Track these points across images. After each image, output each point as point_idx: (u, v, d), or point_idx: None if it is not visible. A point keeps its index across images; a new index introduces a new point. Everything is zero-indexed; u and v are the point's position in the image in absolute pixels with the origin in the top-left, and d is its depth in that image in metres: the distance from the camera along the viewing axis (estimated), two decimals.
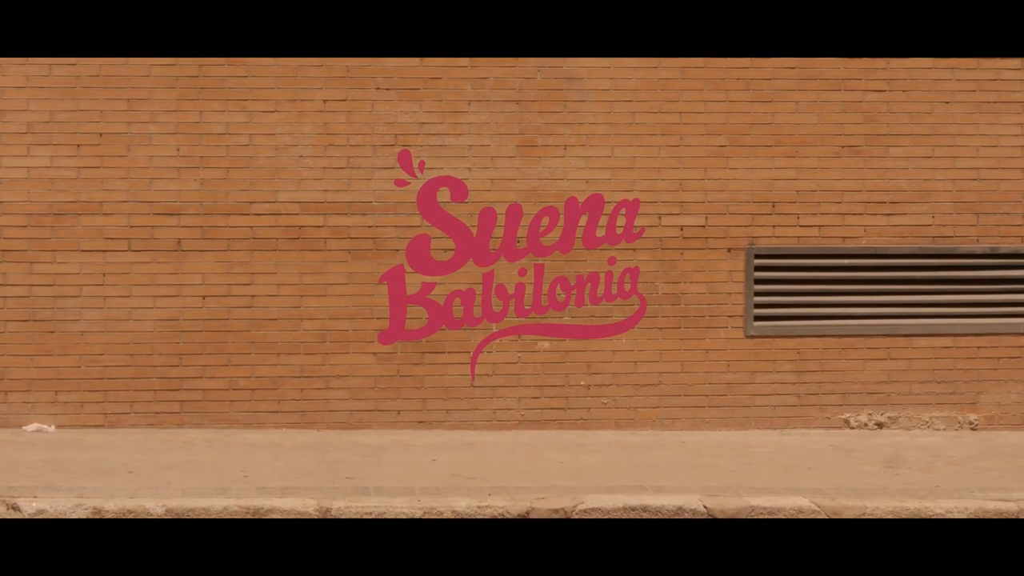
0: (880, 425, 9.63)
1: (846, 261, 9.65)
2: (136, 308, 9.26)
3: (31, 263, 9.21)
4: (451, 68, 9.42)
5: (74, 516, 7.05)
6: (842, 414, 9.66)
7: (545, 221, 9.44)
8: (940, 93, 9.68)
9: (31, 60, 9.17)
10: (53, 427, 9.19)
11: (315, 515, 7.14)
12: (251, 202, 9.34)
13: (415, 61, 9.39)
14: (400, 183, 9.31)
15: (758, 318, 9.61)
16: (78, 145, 9.25)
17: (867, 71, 9.65)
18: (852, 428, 9.62)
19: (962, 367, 9.64)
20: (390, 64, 9.38)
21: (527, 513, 7.26)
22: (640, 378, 9.49)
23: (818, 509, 7.39)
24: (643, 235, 9.50)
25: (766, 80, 9.60)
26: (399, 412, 9.40)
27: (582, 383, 9.49)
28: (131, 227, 9.26)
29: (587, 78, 9.49)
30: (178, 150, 9.31)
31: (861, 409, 9.67)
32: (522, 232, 9.46)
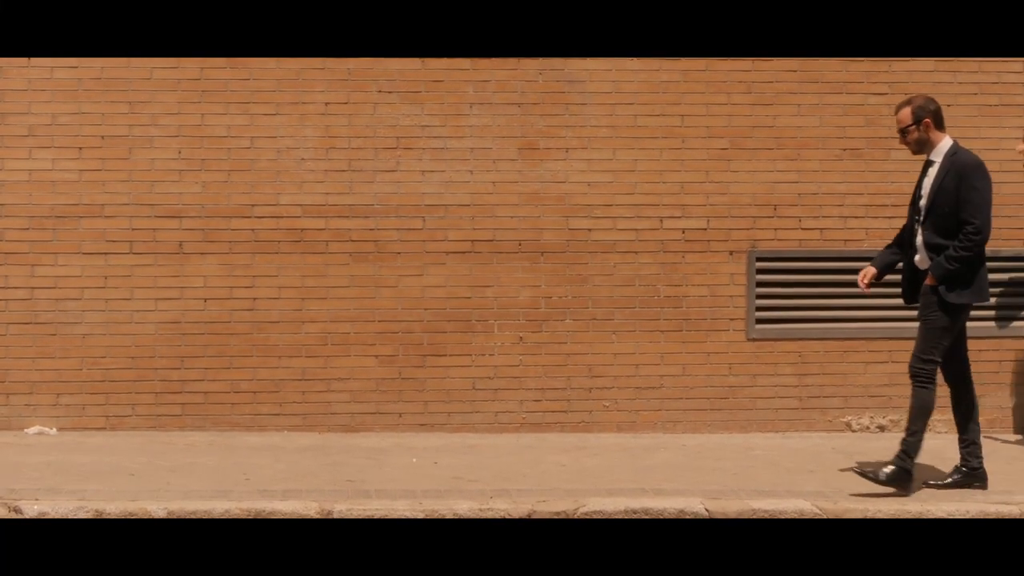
0: (882, 428, 9.63)
1: (848, 264, 9.65)
2: (137, 311, 9.26)
3: (33, 266, 9.21)
4: (452, 71, 9.42)
5: (76, 519, 7.04)
6: (844, 417, 9.65)
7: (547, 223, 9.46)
8: (941, 96, 9.63)
9: (33, 62, 9.18)
10: (55, 430, 9.19)
11: (317, 518, 7.13)
12: (252, 205, 9.34)
13: (417, 64, 9.39)
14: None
15: (760, 321, 9.61)
16: (80, 148, 9.25)
17: (868, 74, 9.65)
18: (854, 431, 9.62)
19: None
20: (392, 67, 9.38)
21: (529, 516, 7.26)
22: (641, 381, 9.49)
23: (820, 512, 7.39)
24: (644, 238, 9.51)
25: (768, 83, 9.60)
26: (400, 415, 9.40)
27: (584, 386, 9.50)
28: (133, 230, 9.27)
29: (589, 81, 9.49)
30: (179, 153, 9.31)
31: (863, 412, 9.66)
32: (524, 234, 9.46)
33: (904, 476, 7.81)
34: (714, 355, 9.53)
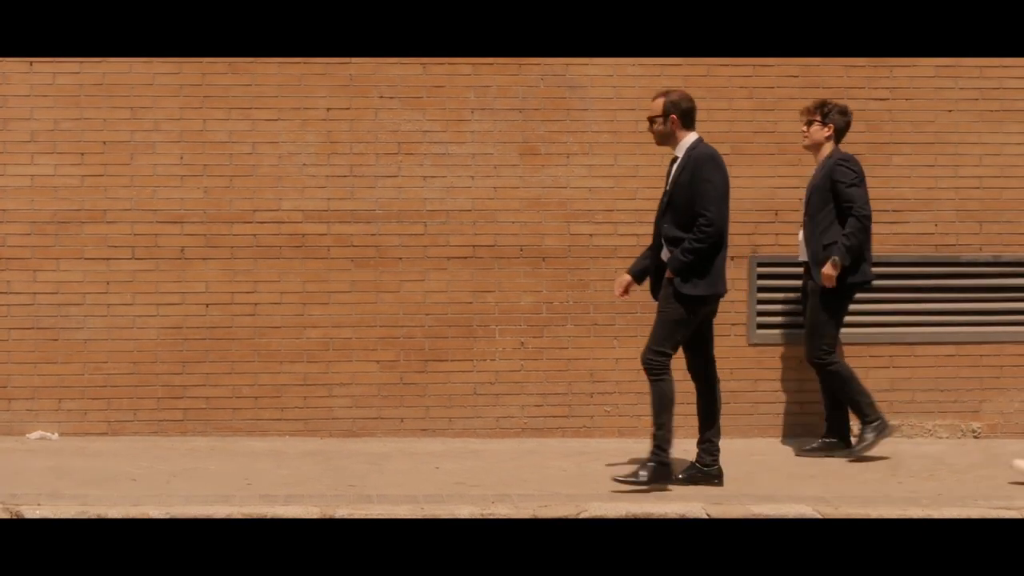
0: None
1: None
2: (140, 316, 9.27)
3: (35, 271, 9.22)
4: (454, 76, 9.43)
5: (77, 518, 7.04)
6: None
7: (549, 228, 9.47)
8: (943, 101, 9.69)
9: (35, 68, 9.19)
10: (56, 435, 9.19)
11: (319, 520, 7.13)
12: (254, 210, 9.35)
13: (418, 69, 9.41)
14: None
15: (761, 326, 9.62)
16: (82, 153, 9.26)
17: (870, 80, 9.65)
18: (855, 436, 9.60)
19: (965, 375, 9.64)
20: (393, 72, 9.40)
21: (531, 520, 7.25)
22: (643, 386, 9.40)
23: (821, 517, 7.38)
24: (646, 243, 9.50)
25: (769, 88, 9.61)
26: (402, 420, 9.40)
27: (585, 391, 9.50)
28: (135, 235, 9.28)
29: (590, 86, 9.50)
30: (181, 158, 9.32)
31: None
32: (525, 240, 9.46)
33: (663, 471, 7.89)
34: (715, 360, 9.51)
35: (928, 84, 9.69)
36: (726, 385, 9.52)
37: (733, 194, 9.50)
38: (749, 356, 9.57)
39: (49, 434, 9.19)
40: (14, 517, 7.05)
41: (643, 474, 7.87)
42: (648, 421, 9.49)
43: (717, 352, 9.52)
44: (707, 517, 7.33)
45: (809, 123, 9.03)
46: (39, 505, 7.18)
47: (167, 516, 7.10)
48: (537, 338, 9.46)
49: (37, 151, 9.24)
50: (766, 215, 9.59)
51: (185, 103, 9.31)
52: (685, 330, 7.97)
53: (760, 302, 9.61)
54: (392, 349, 9.40)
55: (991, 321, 9.72)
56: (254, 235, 9.34)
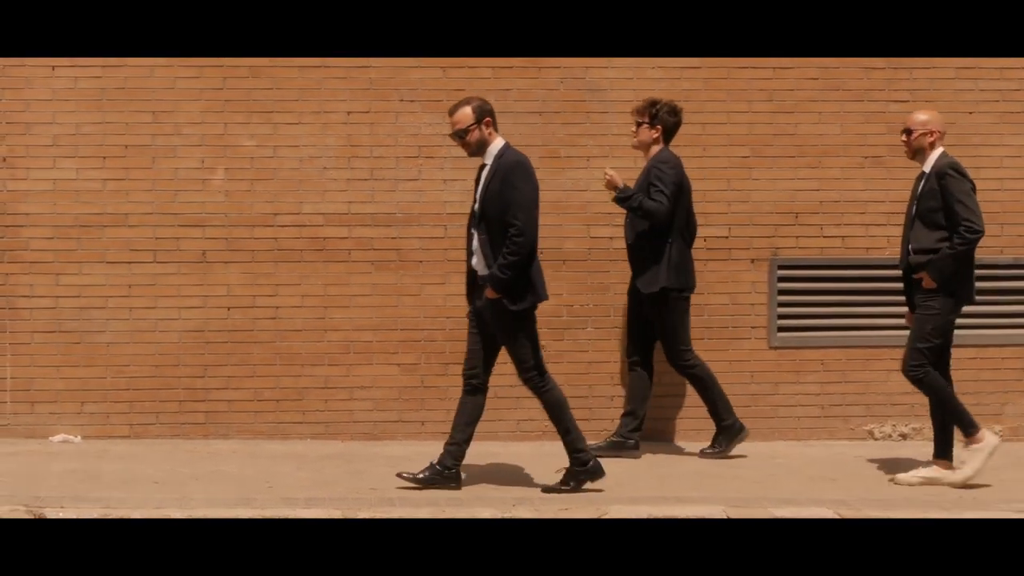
0: (904, 436, 9.61)
1: (870, 272, 9.64)
2: (161, 319, 9.30)
3: (57, 275, 9.26)
4: (474, 80, 9.44)
5: (100, 518, 7.07)
6: (866, 425, 9.64)
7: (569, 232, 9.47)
8: (963, 103, 9.67)
9: (57, 72, 9.23)
10: (79, 438, 9.23)
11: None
12: (275, 213, 9.38)
13: (438, 73, 9.43)
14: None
15: (781, 329, 9.60)
16: (104, 157, 9.30)
17: (890, 81, 9.64)
18: (876, 439, 9.60)
19: (986, 378, 9.61)
20: (413, 76, 9.42)
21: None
22: (663, 389, 9.48)
23: (842, 519, 7.38)
24: None
25: (789, 91, 9.60)
26: (423, 423, 9.42)
27: (606, 395, 9.50)
28: (156, 239, 9.31)
29: (610, 89, 9.51)
30: (203, 162, 9.35)
31: (885, 420, 9.65)
32: (546, 243, 9.47)
33: (589, 472, 7.86)
34: (736, 363, 9.52)
35: (948, 86, 9.67)
36: (746, 388, 9.54)
37: (753, 196, 9.57)
38: (769, 359, 9.56)
39: (72, 437, 9.22)
40: (37, 519, 7.08)
41: (572, 483, 7.86)
42: (667, 424, 9.50)
43: (736, 355, 9.57)
44: (728, 519, 7.32)
45: (638, 124, 8.95)
46: (62, 508, 7.21)
47: (189, 518, 7.12)
48: (558, 341, 9.47)
49: (59, 155, 9.28)
50: (786, 218, 9.58)
51: (206, 107, 9.34)
52: (532, 340, 7.83)
53: (781, 305, 9.60)
54: (413, 352, 9.42)
55: (1013, 324, 9.69)
56: (275, 238, 9.37)
